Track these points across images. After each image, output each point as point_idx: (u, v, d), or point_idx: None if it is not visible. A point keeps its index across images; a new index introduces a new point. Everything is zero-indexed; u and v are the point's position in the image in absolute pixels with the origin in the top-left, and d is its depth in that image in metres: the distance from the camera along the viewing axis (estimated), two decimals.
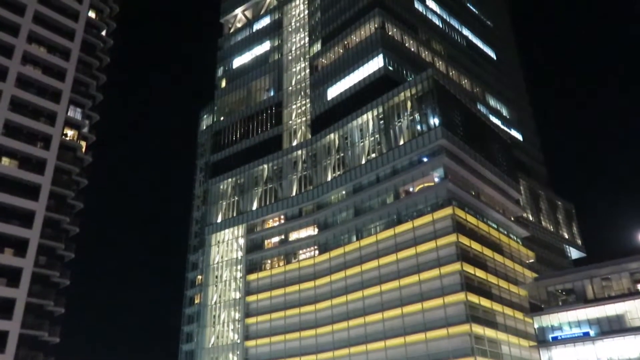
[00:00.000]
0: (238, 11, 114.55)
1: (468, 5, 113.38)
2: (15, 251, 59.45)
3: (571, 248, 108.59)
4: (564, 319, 63.75)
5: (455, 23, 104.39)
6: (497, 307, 66.39)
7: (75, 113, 71.10)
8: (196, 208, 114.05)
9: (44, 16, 70.88)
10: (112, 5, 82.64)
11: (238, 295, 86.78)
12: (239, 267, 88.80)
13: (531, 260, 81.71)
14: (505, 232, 77.32)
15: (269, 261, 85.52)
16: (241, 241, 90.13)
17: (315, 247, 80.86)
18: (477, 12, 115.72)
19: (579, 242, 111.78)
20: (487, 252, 69.39)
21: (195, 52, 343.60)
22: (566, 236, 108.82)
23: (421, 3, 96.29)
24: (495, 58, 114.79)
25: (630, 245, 69.56)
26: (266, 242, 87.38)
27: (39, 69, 68.72)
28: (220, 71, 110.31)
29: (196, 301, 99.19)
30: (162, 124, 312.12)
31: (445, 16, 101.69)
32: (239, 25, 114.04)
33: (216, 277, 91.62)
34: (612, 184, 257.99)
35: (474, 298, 62.48)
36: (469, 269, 63.89)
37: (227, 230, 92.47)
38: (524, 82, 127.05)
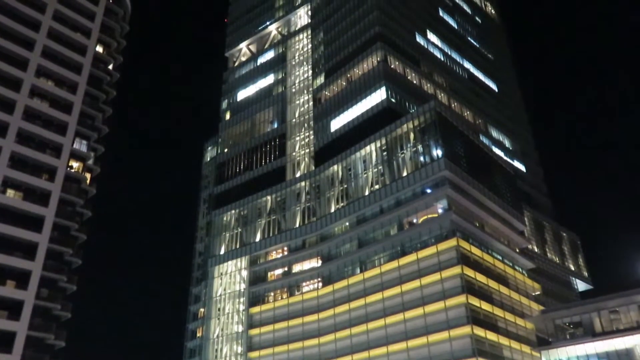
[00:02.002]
0: (243, 45, 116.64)
1: (469, 38, 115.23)
2: (17, 283, 59.13)
3: (577, 280, 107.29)
4: (572, 353, 62.57)
5: (456, 56, 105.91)
6: (503, 340, 65.21)
7: (80, 145, 71.81)
8: (199, 240, 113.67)
9: (53, 51, 72.37)
10: (119, 39, 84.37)
11: (240, 328, 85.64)
12: (241, 299, 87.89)
13: (537, 293, 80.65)
14: (511, 264, 76.56)
15: (272, 294, 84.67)
16: (244, 273, 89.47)
17: (319, 279, 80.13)
18: (477, 46, 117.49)
19: (585, 273, 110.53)
20: (493, 284, 68.59)
21: (201, 84, 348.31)
22: (572, 268, 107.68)
23: (422, 37, 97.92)
24: (496, 90, 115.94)
25: (638, 276, 68.63)
26: (269, 274, 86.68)
27: (46, 102, 69.75)
28: (224, 104, 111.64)
29: (198, 334, 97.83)
30: (166, 155, 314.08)
31: (446, 49, 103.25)
32: (243, 59, 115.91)
33: (219, 309, 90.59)
34: (617, 214, 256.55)
35: (480, 331, 61.46)
36: (475, 301, 63.05)
37: (230, 262, 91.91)
38: (525, 114, 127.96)
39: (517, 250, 79.61)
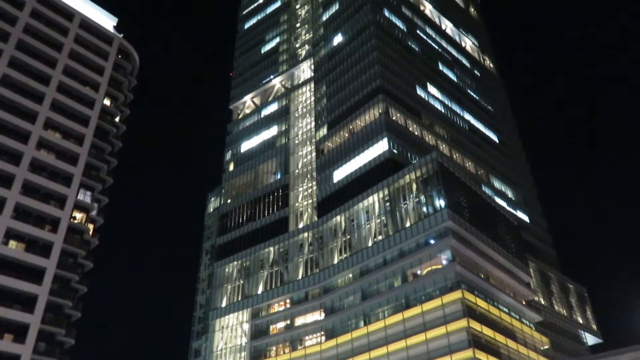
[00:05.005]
0: (247, 98, 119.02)
1: (468, 91, 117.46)
2: (15, 337, 58.02)
3: (586, 333, 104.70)
4: None
5: (456, 108, 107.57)
6: None
7: (85, 196, 72.04)
8: (200, 292, 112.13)
9: (62, 104, 73.82)
10: (126, 93, 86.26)
11: None
12: (242, 354, 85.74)
13: (546, 347, 78.61)
14: (517, 317, 75.03)
15: (274, 348, 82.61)
16: (245, 326, 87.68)
17: (322, 332, 78.42)
18: (477, 98, 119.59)
19: (594, 327, 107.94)
20: (500, 338, 67.00)
21: (204, 136, 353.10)
22: (580, 321, 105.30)
23: (423, 89, 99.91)
24: (497, 141, 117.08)
25: None
26: (271, 327, 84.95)
27: (53, 154, 70.46)
28: (228, 155, 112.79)
29: None
30: (168, 206, 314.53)
31: (446, 101, 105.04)
32: (247, 111, 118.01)
33: None
34: (623, 264, 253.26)
35: None
36: (482, 356, 61.40)
37: (231, 315, 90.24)
38: (527, 164, 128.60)
39: (524, 303, 78.21)
